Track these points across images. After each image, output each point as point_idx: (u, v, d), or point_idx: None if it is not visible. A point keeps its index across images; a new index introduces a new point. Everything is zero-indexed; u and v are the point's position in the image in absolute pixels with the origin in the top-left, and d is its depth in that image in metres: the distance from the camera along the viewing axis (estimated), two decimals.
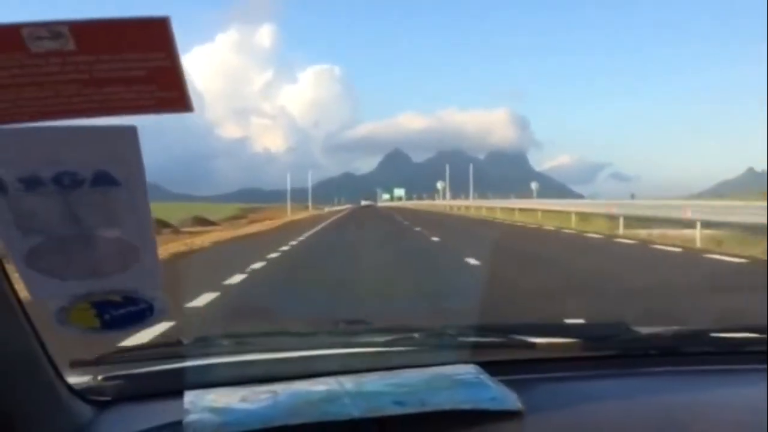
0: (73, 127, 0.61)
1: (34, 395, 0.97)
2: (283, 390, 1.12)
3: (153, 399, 1.15)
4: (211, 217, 51.32)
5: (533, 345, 1.32)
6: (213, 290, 7.79)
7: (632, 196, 33.77)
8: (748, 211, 14.67)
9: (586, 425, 1.07)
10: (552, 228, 22.98)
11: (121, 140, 0.62)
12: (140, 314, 0.84)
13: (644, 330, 1.42)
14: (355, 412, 1.02)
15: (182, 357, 1.27)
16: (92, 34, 0.52)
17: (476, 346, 1.33)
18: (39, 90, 0.55)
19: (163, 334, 4.07)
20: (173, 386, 1.15)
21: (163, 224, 31.54)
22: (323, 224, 31.31)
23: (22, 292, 0.86)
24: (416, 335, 1.37)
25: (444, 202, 78.42)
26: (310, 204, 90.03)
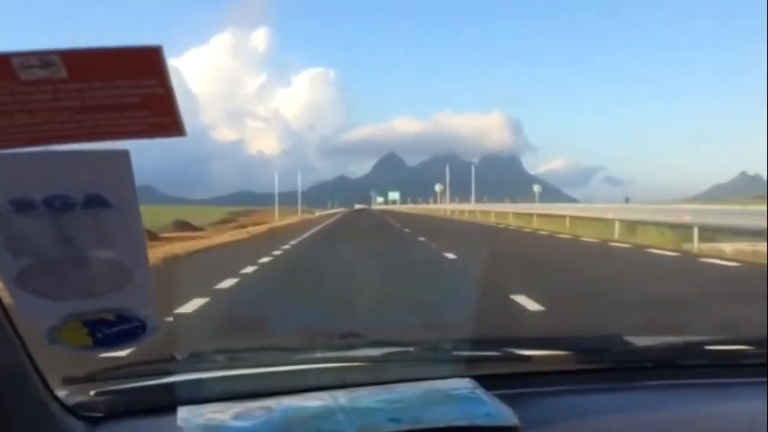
0: (65, 152, 0.61)
1: (26, 411, 0.97)
2: (277, 406, 1.11)
3: (146, 415, 1.14)
4: (197, 221, 48.47)
5: (528, 358, 1.32)
6: None
7: (627, 200, 33.83)
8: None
9: None
10: (595, 240, 17.67)
11: (113, 164, 0.62)
12: (133, 332, 0.84)
13: (639, 342, 1.41)
14: (350, 429, 1.01)
15: (175, 372, 1.26)
16: (84, 63, 0.52)
17: (471, 360, 1.32)
18: (31, 117, 0.55)
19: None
20: (166, 402, 1.14)
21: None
22: (307, 234, 24.55)
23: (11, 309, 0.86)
24: (411, 349, 1.36)
25: (443, 206, 72.55)
26: (299, 208, 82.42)
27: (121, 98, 0.55)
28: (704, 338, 1.50)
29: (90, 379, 1.22)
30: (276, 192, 71.66)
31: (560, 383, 1.28)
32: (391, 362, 1.33)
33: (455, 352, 1.36)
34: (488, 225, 32.63)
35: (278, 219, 55.06)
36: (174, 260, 13.29)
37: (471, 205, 58.43)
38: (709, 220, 15.38)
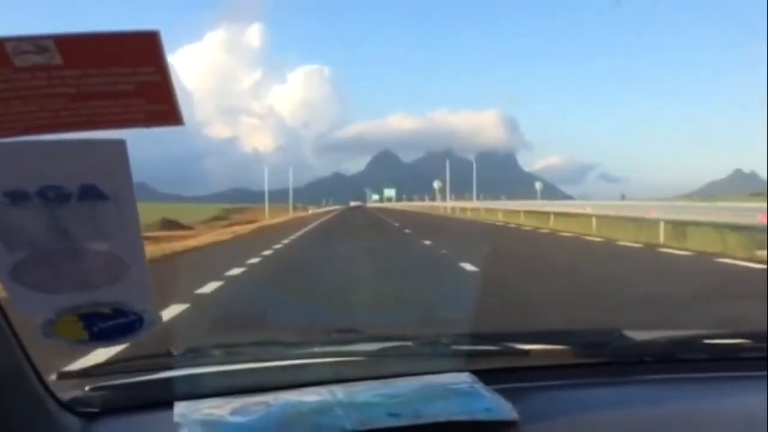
0: (59, 141, 0.60)
1: (21, 407, 0.96)
2: (275, 401, 1.10)
3: (142, 410, 1.13)
4: (189, 219, 46.44)
5: (527, 352, 1.31)
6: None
7: (623, 197, 33.86)
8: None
9: None
10: (638, 245, 14.56)
11: (109, 154, 0.61)
12: (129, 326, 0.83)
13: (639, 336, 1.41)
14: (348, 424, 1.01)
15: (172, 367, 1.25)
16: (79, 48, 0.51)
17: (470, 355, 1.32)
18: (25, 104, 0.54)
19: None
20: (163, 397, 1.13)
21: None
22: (296, 234, 21.48)
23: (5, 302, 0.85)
24: (410, 344, 1.36)
25: (443, 204, 67.75)
26: (291, 206, 76.52)
27: (117, 85, 0.54)
28: (704, 332, 1.49)
29: (85, 374, 1.21)
30: (266, 189, 67.32)
31: (559, 377, 1.27)
32: (389, 357, 1.32)
33: (453, 347, 1.35)
34: (498, 225, 28.33)
35: (269, 217, 52.36)
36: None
37: (473, 203, 54.77)
38: None
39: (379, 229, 25.92)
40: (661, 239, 15.30)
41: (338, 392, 1.13)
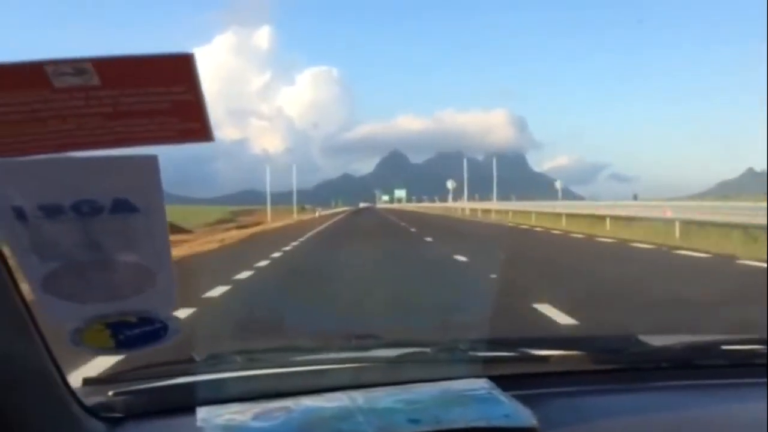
0: (94, 157, 0.61)
1: (47, 412, 0.97)
2: (296, 406, 1.12)
3: (166, 415, 1.15)
4: (193, 222, 43.58)
5: (545, 358, 1.32)
6: None
7: (635, 197, 33.64)
8: None
9: None
10: (652, 246, 13.38)
11: (142, 168, 0.63)
12: (155, 333, 0.84)
13: (656, 341, 1.41)
14: (370, 430, 1.02)
15: (194, 373, 1.27)
16: (116, 70, 0.53)
17: (487, 361, 1.32)
18: (62, 123, 0.56)
19: None
20: (185, 402, 1.15)
21: None
22: (291, 245, 16.88)
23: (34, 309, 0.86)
24: (428, 350, 1.36)
25: (458, 204, 61.94)
26: (294, 209, 68.10)
27: (152, 104, 0.56)
28: (721, 338, 1.49)
29: (109, 379, 1.22)
30: (268, 191, 62.05)
31: (577, 384, 1.27)
32: (407, 363, 1.33)
33: (471, 353, 1.36)
34: (536, 231, 23.09)
35: (271, 221, 47.32)
36: None
37: (495, 204, 47.98)
38: None
39: (395, 237, 21.33)
40: (678, 239, 14.72)
41: (358, 398, 1.15)
